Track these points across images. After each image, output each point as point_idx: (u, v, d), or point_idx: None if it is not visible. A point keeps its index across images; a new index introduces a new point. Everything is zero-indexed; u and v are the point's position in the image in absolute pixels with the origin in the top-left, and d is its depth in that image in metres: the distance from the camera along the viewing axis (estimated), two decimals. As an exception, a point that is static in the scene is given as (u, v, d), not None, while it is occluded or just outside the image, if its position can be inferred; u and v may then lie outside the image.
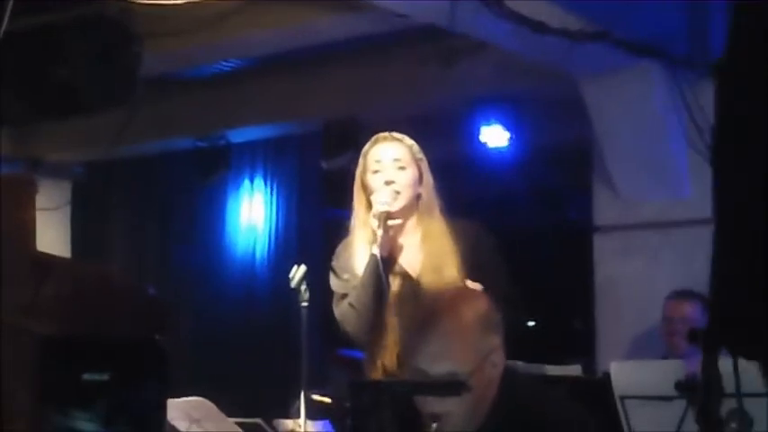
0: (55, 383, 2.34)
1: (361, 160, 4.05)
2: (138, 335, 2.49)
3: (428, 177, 4.02)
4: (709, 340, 1.50)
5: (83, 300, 2.61)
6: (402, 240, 3.99)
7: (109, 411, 2.30)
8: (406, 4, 5.30)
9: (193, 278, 9.09)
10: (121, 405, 2.31)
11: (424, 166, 4.02)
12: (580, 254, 7.16)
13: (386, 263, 3.89)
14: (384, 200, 3.89)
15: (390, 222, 3.89)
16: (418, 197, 4.00)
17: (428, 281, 3.88)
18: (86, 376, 2.29)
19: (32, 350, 2.35)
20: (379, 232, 3.85)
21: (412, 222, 4.00)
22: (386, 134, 4.05)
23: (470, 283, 3.70)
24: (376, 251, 3.86)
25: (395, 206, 3.90)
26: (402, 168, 3.96)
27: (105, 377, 2.29)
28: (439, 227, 3.96)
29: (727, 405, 2.76)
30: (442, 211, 4.01)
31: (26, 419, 2.36)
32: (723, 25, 6.07)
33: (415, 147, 4.04)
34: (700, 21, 6.08)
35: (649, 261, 6.55)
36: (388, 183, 3.94)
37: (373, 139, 4.06)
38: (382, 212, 3.87)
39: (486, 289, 3.53)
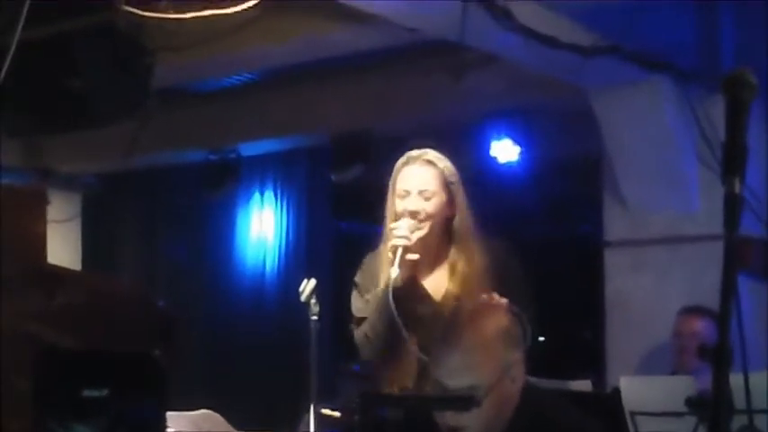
0: (56, 396, 2.35)
1: (393, 175, 3.99)
2: (142, 348, 2.50)
3: (461, 200, 3.96)
4: None
5: (92, 311, 2.61)
6: (434, 265, 3.97)
7: (109, 424, 2.30)
8: (417, 17, 5.30)
9: (203, 290, 9.10)
10: (121, 418, 2.31)
11: (456, 188, 3.95)
12: (590, 268, 7.14)
13: (405, 292, 3.86)
14: (401, 233, 3.84)
15: (409, 256, 3.84)
16: (450, 219, 3.95)
17: (449, 307, 3.85)
18: (86, 392, 2.30)
19: (35, 363, 2.36)
20: (395, 267, 3.80)
21: (443, 245, 3.96)
22: (418, 154, 3.98)
23: (496, 297, 3.67)
24: (390, 286, 3.80)
25: (413, 237, 3.85)
26: (428, 199, 3.90)
27: (105, 392, 2.30)
28: (470, 252, 3.92)
29: (738, 421, 2.75)
30: (475, 234, 3.96)
31: (28, 429, 2.36)
32: (733, 39, 6.08)
33: (448, 170, 3.96)
34: (710, 35, 6.08)
35: (659, 276, 6.53)
36: (411, 214, 3.89)
37: (406, 157, 3.99)
38: (398, 246, 3.82)
39: (511, 305, 3.52)
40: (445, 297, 3.92)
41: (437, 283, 3.97)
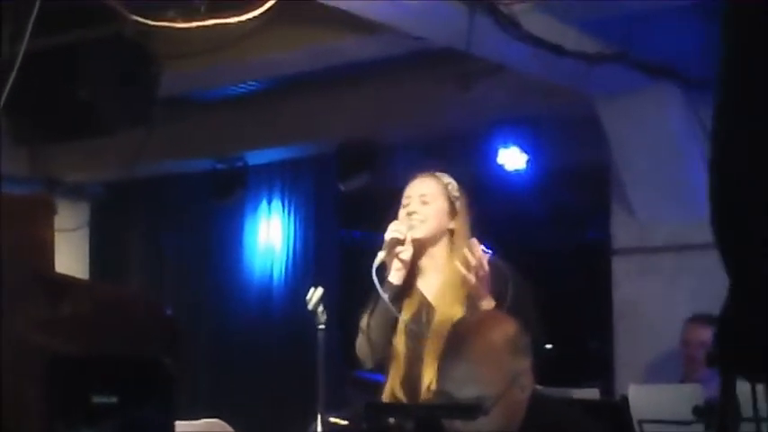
0: (65, 403, 2.35)
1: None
2: (149, 356, 2.50)
3: (463, 215, 4.04)
4: (723, 364, 1.48)
5: (100, 320, 2.61)
6: (431, 272, 4.02)
7: (118, 431, 2.31)
8: (423, 26, 5.31)
9: (211, 299, 9.10)
10: (131, 425, 2.31)
11: (460, 203, 4.05)
12: (598, 276, 7.14)
13: (397, 289, 3.95)
14: (395, 228, 3.95)
15: (398, 249, 3.92)
16: (451, 233, 4.02)
17: (440, 311, 3.91)
18: (95, 398, 2.30)
19: (44, 369, 2.37)
20: (381, 254, 3.90)
21: (441, 252, 4.01)
22: (427, 172, 4.11)
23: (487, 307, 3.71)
24: (374, 274, 3.88)
25: (409, 234, 3.94)
26: (426, 203, 4.00)
27: (114, 399, 2.30)
28: (457, 262, 3.94)
29: (745, 429, 2.74)
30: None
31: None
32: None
33: (453, 185, 4.07)
34: (715, 42, 6.07)
35: (667, 283, 6.52)
36: (409, 214, 3.99)
37: (413, 176, 4.12)
38: (391, 239, 3.92)
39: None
40: (434, 303, 3.96)
41: (429, 289, 4.01)
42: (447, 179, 4.08)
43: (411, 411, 3.68)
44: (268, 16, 5.24)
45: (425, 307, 3.97)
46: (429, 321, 3.92)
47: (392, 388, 3.93)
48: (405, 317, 3.95)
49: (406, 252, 3.95)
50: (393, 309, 3.91)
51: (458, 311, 3.83)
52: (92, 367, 2.40)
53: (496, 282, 3.77)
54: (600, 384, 5.61)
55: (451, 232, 4.01)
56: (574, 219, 8.78)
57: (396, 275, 3.95)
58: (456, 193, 4.05)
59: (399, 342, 3.93)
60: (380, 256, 3.91)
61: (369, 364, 4.04)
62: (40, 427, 2.39)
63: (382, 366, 4.01)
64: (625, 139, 6.42)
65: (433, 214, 3.99)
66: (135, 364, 2.41)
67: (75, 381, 2.36)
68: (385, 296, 3.87)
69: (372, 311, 3.96)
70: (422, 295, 4.00)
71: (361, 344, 4.01)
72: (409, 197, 4.03)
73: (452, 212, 4.02)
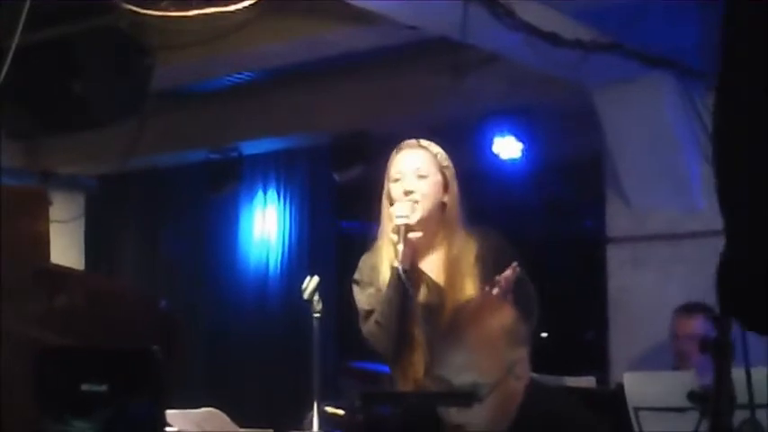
0: (55, 392, 2.35)
1: (388, 164, 4.00)
2: (139, 345, 2.50)
3: (454, 186, 3.95)
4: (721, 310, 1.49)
5: (94, 311, 2.62)
6: (428, 250, 3.95)
7: (108, 420, 2.30)
8: (418, 16, 5.30)
9: (206, 289, 9.11)
10: (120, 414, 2.31)
11: (450, 174, 3.96)
12: (593, 265, 7.15)
13: (410, 275, 3.83)
14: (402, 212, 3.82)
15: (411, 235, 3.82)
16: (443, 206, 3.95)
17: (451, 292, 3.85)
18: (84, 387, 2.30)
19: (35, 359, 2.37)
20: (400, 247, 3.79)
21: (438, 231, 3.94)
22: (412, 141, 4.00)
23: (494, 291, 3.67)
24: (398, 264, 3.79)
25: (413, 218, 3.83)
26: (422, 177, 3.90)
27: (103, 387, 2.29)
28: (459, 238, 3.91)
29: (740, 416, 2.75)
30: (463, 221, 3.96)
31: (27, 426, 2.37)
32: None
33: (442, 155, 3.98)
34: (712, 32, 6.07)
35: (662, 272, 6.53)
36: (407, 193, 3.88)
37: (398, 146, 4.01)
38: (401, 225, 3.80)
39: (510, 299, 3.52)
40: (444, 285, 3.90)
41: (436, 271, 3.95)
42: (435, 148, 3.98)
43: (405, 400, 3.67)
44: (262, 6, 5.24)
45: (435, 290, 3.90)
46: (442, 305, 3.84)
47: (415, 379, 3.84)
48: (419, 302, 3.86)
49: (416, 233, 3.84)
50: (412, 293, 3.82)
51: (471, 289, 3.79)
52: (81, 356, 2.40)
53: (521, 299, 3.70)
54: (595, 372, 5.61)
55: (443, 206, 3.94)
56: (569, 207, 8.79)
57: (404, 261, 3.81)
58: (446, 163, 3.96)
59: (418, 330, 3.85)
60: (400, 249, 3.77)
61: (383, 350, 3.91)
62: (30, 421, 2.39)
63: (394, 354, 3.94)
64: (620, 129, 6.42)
65: (429, 190, 3.89)
66: (124, 352, 2.41)
67: (64, 369, 2.36)
68: (406, 281, 3.79)
69: (387, 297, 3.83)
70: (428, 278, 3.92)
71: (374, 330, 3.88)
72: (401, 172, 3.93)
73: (445, 185, 3.94)
